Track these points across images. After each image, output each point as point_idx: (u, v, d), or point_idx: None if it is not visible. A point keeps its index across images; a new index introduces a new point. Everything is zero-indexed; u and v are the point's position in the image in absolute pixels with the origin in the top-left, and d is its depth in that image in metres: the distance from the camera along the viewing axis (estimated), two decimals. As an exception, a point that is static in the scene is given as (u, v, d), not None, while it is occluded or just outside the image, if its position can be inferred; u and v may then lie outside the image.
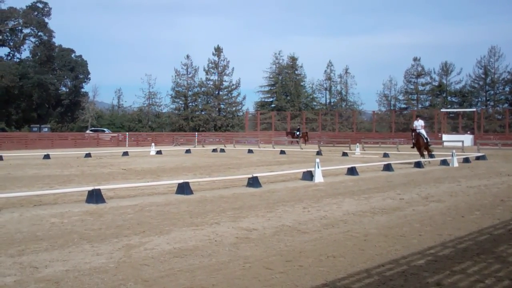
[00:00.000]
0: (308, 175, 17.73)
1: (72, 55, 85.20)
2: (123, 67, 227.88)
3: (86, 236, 8.76)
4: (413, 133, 26.76)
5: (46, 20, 68.36)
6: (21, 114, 78.96)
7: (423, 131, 26.65)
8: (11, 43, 67.95)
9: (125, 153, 34.94)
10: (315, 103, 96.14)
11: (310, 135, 61.98)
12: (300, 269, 6.84)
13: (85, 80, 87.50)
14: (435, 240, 8.55)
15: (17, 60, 71.18)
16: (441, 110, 68.52)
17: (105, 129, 72.33)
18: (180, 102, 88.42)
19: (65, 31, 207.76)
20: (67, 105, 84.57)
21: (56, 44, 76.94)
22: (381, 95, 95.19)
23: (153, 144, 41.84)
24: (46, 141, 47.96)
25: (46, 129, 69.68)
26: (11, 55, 69.89)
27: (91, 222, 10.07)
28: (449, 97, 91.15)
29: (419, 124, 26.99)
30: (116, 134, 58.14)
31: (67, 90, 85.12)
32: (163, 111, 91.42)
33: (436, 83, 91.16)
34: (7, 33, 66.54)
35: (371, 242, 8.38)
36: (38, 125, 73.74)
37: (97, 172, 21.15)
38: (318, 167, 17.51)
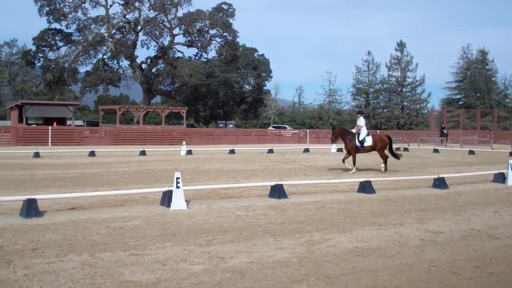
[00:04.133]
0: (500, 177, 16.51)
1: (255, 54, 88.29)
2: (304, 65, 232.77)
3: (269, 230, 8.94)
4: (333, 132, 21.17)
5: (231, 21, 71.50)
6: (208, 111, 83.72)
7: (362, 132, 20.35)
8: (199, 44, 71.85)
9: (306, 150, 35.31)
10: (508, 100, 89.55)
11: (502, 134, 58.07)
12: (490, 276, 6.38)
13: (267, 78, 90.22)
14: None
15: (204, 60, 75.27)
16: None
17: (286, 126, 73.96)
18: (361, 99, 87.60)
19: (248, 31, 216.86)
20: (250, 103, 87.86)
21: (240, 44, 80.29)
22: None
23: (334, 141, 41.74)
24: (231, 137, 50.22)
25: (231, 125, 72.98)
26: (198, 55, 74.03)
27: (274, 216, 10.27)
28: None
29: (360, 123, 20.72)
30: (297, 131, 59.10)
31: (251, 88, 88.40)
32: (344, 108, 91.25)
33: None
34: (195, 35, 70.46)
35: None
36: (223, 122, 77.54)
37: (279, 167, 21.62)
38: (511, 169, 16.23)
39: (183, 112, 57.95)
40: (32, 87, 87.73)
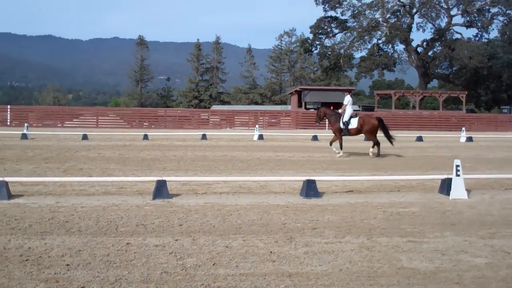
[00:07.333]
0: None
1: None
2: None
3: None
4: (317, 112, 19.90)
5: (516, -3, 65.82)
6: (490, 95, 78.50)
7: (346, 113, 18.74)
8: (479, 24, 67.62)
9: None
10: None
11: None
12: None
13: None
14: None
15: (485, 40, 70.63)
16: None
17: None
18: None
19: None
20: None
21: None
22: None
23: None
24: (516, 123, 46.52)
25: (516, 111, 67.61)
26: (479, 35, 69.67)
27: None
28: None
29: (344, 102, 19.33)
30: None
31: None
32: None
33: None
34: (475, 14, 66.42)
35: None
36: (508, 107, 72.09)
37: None
38: None
39: (462, 97, 55.56)
40: (310, 74, 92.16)
